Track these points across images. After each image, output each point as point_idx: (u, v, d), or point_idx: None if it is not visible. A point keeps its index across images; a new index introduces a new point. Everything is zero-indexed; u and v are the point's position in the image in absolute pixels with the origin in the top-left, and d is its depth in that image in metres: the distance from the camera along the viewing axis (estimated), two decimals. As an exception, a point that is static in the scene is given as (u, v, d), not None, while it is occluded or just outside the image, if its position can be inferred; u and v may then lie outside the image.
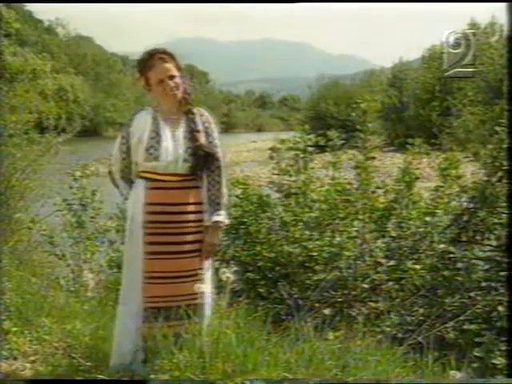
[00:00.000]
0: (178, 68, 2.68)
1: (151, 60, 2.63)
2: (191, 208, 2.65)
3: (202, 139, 2.66)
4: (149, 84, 2.66)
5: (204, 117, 2.72)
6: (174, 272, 2.63)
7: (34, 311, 3.46)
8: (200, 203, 2.68)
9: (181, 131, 2.66)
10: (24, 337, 3.17)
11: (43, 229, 5.37)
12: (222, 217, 2.68)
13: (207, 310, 2.68)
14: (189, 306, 2.58)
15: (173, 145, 2.63)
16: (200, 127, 2.69)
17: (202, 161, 2.65)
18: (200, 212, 2.68)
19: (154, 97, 2.71)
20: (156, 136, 2.63)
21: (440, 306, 3.52)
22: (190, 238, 2.65)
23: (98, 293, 4.49)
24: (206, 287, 2.67)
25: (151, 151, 2.61)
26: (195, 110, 2.72)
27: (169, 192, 2.63)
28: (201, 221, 2.68)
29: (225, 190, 2.73)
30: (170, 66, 2.64)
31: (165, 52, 2.66)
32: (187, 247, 2.65)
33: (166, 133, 2.64)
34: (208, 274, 2.72)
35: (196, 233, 2.67)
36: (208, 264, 2.72)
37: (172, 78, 2.63)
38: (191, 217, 2.66)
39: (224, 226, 2.76)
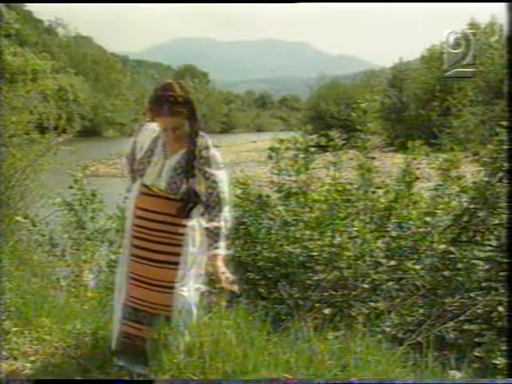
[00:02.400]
0: (189, 112, 2.55)
1: (159, 108, 2.51)
2: (176, 220, 2.61)
3: (191, 184, 2.59)
4: (155, 121, 2.61)
5: (203, 151, 2.59)
6: (146, 278, 2.64)
7: (34, 311, 3.46)
8: (186, 217, 2.62)
9: (174, 160, 2.61)
10: (24, 337, 3.17)
11: (43, 229, 5.37)
12: (220, 250, 2.57)
13: (183, 324, 2.60)
14: (159, 316, 2.59)
15: (157, 173, 2.60)
16: (196, 163, 2.59)
17: (190, 206, 2.61)
18: (182, 226, 2.62)
19: None
20: (150, 155, 2.63)
21: (440, 306, 3.52)
22: (166, 248, 2.62)
23: (98, 293, 4.48)
24: (176, 301, 2.62)
25: (140, 167, 2.64)
26: (199, 139, 2.60)
27: (157, 200, 2.64)
28: (182, 234, 2.62)
29: (224, 223, 2.59)
30: (175, 119, 2.52)
31: (175, 100, 2.49)
32: (161, 257, 2.62)
33: (159, 157, 2.62)
34: (188, 289, 2.64)
35: (174, 245, 2.62)
36: (185, 279, 2.63)
37: (176, 128, 2.55)
38: (173, 228, 2.62)
39: (225, 257, 2.62)
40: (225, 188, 2.61)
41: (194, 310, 2.66)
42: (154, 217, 2.62)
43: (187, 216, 2.61)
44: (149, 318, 2.62)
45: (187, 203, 2.60)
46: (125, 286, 2.71)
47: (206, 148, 2.60)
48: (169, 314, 2.61)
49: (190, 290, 2.65)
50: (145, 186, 2.66)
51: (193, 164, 2.58)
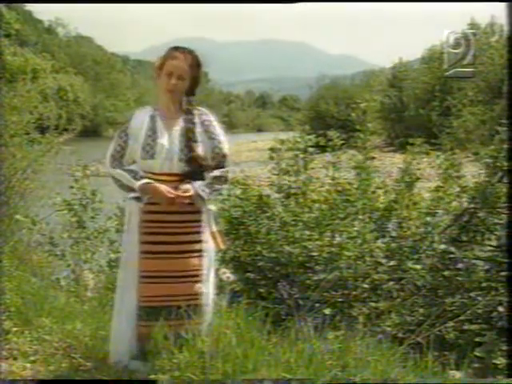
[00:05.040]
0: (195, 78, 2.68)
1: (179, 54, 2.64)
2: (188, 208, 2.64)
3: (199, 149, 2.66)
4: (161, 69, 2.66)
5: (204, 115, 2.73)
6: (169, 272, 2.63)
7: (34, 311, 3.46)
8: (196, 180, 2.66)
9: (178, 129, 2.67)
10: (24, 337, 3.16)
11: (43, 229, 5.36)
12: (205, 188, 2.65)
13: (207, 311, 2.68)
14: (188, 307, 2.59)
15: (168, 142, 2.64)
16: (198, 128, 2.69)
17: (198, 172, 2.66)
18: (197, 212, 2.67)
19: (157, 86, 2.71)
20: (152, 134, 2.64)
21: (440, 306, 3.52)
22: (186, 238, 2.66)
23: (98, 293, 4.48)
24: (206, 288, 2.68)
25: (147, 149, 2.62)
26: (195, 111, 2.73)
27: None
28: (199, 221, 2.68)
29: (230, 174, 2.77)
30: (187, 69, 2.63)
31: (193, 59, 2.66)
32: (183, 247, 2.65)
33: (163, 131, 2.66)
34: (209, 275, 2.72)
35: (193, 233, 2.67)
36: (208, 264, 2.71)
37: (180, 78, 2.63)
38: (187, 217, 2.66)
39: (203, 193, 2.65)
40: (227, 147, 2.75)
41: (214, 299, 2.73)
42: (167, 208, 2.61)
43: (196, 179, 2.64)
44: (176, 312, 2.59)
45: (194, 167, 2.65)
46: (135, 286, 2.64)
47: (206, 114, 2.74)
48: (199, 303, 2.63)
49: (213, 277, 2.72)
50: (151, 179, 2.62)
51: (195, 129, 2.68)
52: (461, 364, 2.81)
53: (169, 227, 2.64)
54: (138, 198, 2.63)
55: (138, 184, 2.60)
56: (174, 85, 2.63)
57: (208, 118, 2.74)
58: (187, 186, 2.60)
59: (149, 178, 2.62)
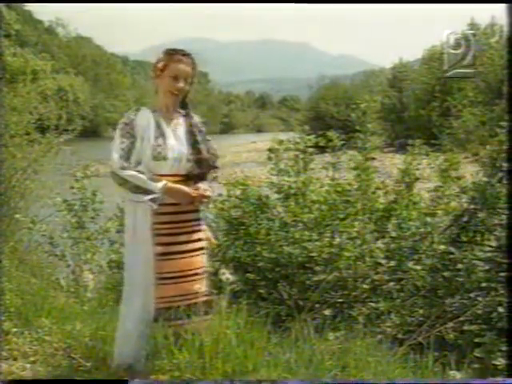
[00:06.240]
0: (192, 81, 2.76)
1: (182, 57, 2.68)
2: (193, 206, 2.68)
3: (205, 152, 2.73)
4: (163, 71, 2.67)
5: (194, 117, 2.80)
6: (185, 271, 2.65)
7: (34, 312, 3.46)
8: (201, 180, 2.73)
9: (181, 131, 2.71)
10: (24, 337, 3.17)
11: (43, 229, 5.37)
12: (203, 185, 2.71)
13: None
14: (197, 304, 2.62)
15: (177, 143, 2.68)
16: (199, 136, 2.75)
17: (205, 172, 2.72)
18: (197, 211, 2.72)
19: (157, 86, 2.72)
20: (160, 135, 2.66)
21: (440, 307, 3.52)
22: (195, 236, 2.70)
23: (98, 293, 4.49)
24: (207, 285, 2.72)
25: (159, 150, 2.63)
26: (189, 113, 2.79)
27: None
28: (199, 219, 2.74)
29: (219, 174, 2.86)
30: (191, 73, 2.71)
31: (193, 63, 2.72)
32: (193, 245, 2.69)
33: (169, 132, 2.69)
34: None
35: (198, 231, 2.72)
36: (206, 262, 2.76)
37: (186, 81, 2.69)
38: (192, 216, 2.70)
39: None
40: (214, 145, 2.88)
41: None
42: (179, 208, 2.64)
43: (202, 179, 2.70)
44: (188, 311, 2.60)
45: (201, 168, 2.70)
46: (148, 288, 2.61)
47: (194, 116, 2.81)
48: (209, 299, 2.66)
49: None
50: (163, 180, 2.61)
51: (196, 131, 2.75)
52: (461, 364, 2.82)
53: (180, 227, 2.66)
54: (153, 200, 2.59)
55: (159, 185, 2.58)
56: (182, 88, 2.67)
57: (197, 119, 2.81)
58: (205, 186, 2.67)
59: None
